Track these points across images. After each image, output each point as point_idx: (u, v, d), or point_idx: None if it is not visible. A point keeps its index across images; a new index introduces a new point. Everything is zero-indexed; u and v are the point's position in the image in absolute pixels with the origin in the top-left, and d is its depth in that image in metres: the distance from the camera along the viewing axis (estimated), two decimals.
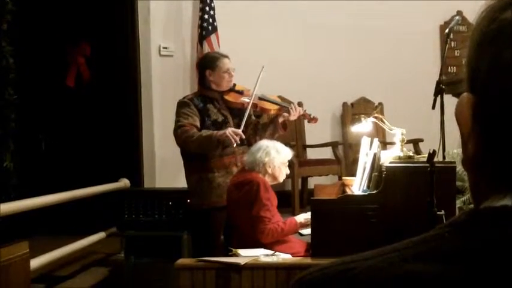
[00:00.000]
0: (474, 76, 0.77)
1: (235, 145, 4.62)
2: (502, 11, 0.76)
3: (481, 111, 0.75)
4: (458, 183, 3.76)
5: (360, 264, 0.75)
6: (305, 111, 5.09)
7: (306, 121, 5.27)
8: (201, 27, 7.24)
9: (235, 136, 4.58)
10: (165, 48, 7.28)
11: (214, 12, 7.27)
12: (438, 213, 3.27)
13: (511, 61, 0.72)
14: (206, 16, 7.23)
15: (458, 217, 0.76)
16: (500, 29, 0.74)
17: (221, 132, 4.65)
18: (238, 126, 4.82)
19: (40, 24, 7.91)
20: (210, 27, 7.24)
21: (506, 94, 0.72)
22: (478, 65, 0.76)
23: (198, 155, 4.81)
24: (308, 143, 7.70)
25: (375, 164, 3.92)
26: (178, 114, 4.82)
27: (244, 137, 4.69)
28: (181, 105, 4.87)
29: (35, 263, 4.81)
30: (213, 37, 7.23)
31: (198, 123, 4.77)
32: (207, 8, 7.24)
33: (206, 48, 7.11)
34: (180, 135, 4.72)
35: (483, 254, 0.70)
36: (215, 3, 7.29)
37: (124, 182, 6.49)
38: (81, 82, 8.24)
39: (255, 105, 4.95)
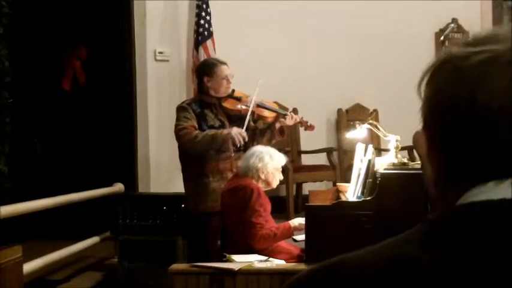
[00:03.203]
0: (426, 118, 0.95)
1: (239, 145, 4.65)
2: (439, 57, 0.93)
3: (434, 140, 0.91)
4: None
5: (350, 254, 0.87)
6: (302, 118, 5.11)
7: (302, 128, 5.28)
8: (197, 32, 7.25)
9: (239, 136, 4.63)
10: (161, 53, 7.28)
11: (210, 18, 7.28)
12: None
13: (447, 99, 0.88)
14: (202, 21, 7.23)
15: (437, 215, 0.88)
16: (433, 69, 0.93)
17: (226, 131, 4.70)
18: None
19: (36, 27, 7.91)
20: (206, 33, 7.24)
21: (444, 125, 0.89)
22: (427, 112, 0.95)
23: (194, 160, 4.83)
24: (303, 148, 7.71)
25: (370, 171, 3.93)
26: (178, 118, 4.86)
27: (247, 138, 4.72)
28: (180, 109, 4.91)
29: (29, 267, 4.79)
30: (209, 42, 7.23)
31: (197, 127, 4.81)
32: (203, 13, 7.25)
33: (202, 54, 7.12)
34: (183, 136, 4.75)
35: (465, 242, 0.81)
36: (211, 9, 7.29)
37: (118, 187, 6.49)
38: (77, 86, 8.24)
39: (252, 112, 4.97)
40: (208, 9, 7.28)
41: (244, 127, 4.78)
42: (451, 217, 0.86)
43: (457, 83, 0.86)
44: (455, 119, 0.86)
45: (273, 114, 5.06)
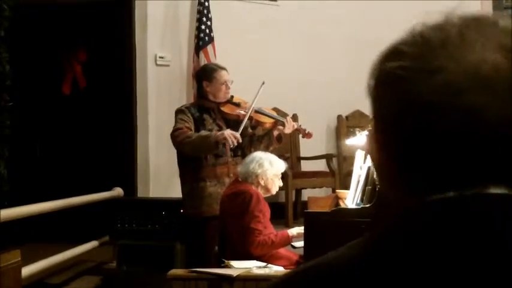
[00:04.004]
0: (376, 120, 0.94)
1: (231, 146, 4.67)
2: (388, 61, 0.90)
3: (385, 142, 0.89)
4: None
5: (329, 256, 0.85)
6: (300, 126, 5.13)
7: (300, 136, 5.31)
8: (197, 37, 7.25)
9: (233, 138, 4.63)
10: (162, 57, 7.29)
11: (211, 23, 7.28)
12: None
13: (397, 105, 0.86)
14: (203, 26, 7.24)
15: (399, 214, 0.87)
16: (383, 78, 0.91)
17: (219, 132, 4.71)
18: None
19: (37, 31, 7.91)
20: (206, 38, 7.25)
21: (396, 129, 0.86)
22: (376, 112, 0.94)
23: (191, 164, 4.85)
24: (302, 155, 7.71)
25: (369, 178, 3.93)
26: (176, 120, 4.91)
27: (241, 141, 4.73)
28: (178, 112, 4.95)
29: (27, 270, 4.79)
30: (209, 47, 7.24)
31: (193, 129, 4.82)
32: (204, 19, 7.26)
33: (202, 59, 7.12)
34: (178, 136, 4.77)
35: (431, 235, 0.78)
36: (212, 14, 7.30)
37: (118, 191, 6.49)
38: (77, 89, 8.24)
39: (250, 118, 4.99)
40: (209, 15, 7.29)
41: (239, 131, 4.79)
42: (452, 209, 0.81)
43: (410, 107, 0.83)
44: (410, 137, 0.83)
45: (271, 121, 5.07)
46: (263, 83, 5.03)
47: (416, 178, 0.84)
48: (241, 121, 4.89)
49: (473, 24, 0.84)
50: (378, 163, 0.92)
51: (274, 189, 4.44)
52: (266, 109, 5.18)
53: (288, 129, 4.97)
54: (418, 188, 0.84)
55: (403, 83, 0.84)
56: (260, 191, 4.30)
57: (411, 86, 0.83)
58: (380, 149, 0.90)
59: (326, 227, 3.77)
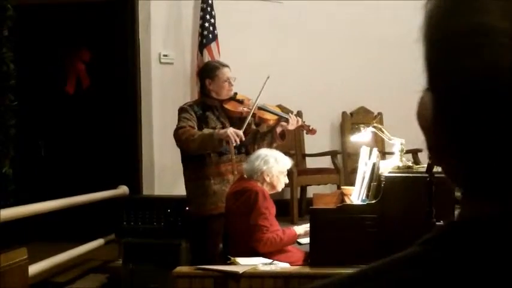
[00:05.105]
0: (434, 76, 0.70)
1: (234, 144, 4.68)
2: (457, 15, 0.64)
3: (443, 111, 0.66)
4: (457, 193, 3.75)
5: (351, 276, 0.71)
6: (304, 122, 5.12)
7: (304, 132, 5.31)
8: (201, 35, 7.25)
9: (235, 136, 4.63)
10: (165, 55, 7.29)
11: (214, 21, 7.28)
12: (437, 223, 3.27)
13: (472, 69, 0.62)
14: (206, 24, 7.24)
15: (434, 233, 0.70)
16: (451, 37, 0.65)
17: (222, 131, 4.71)
18: None
19: (41, 30, 7.92)
20: (210, 35, 7.25)
21: (467, 99, 0.63)
22: (438, 66, 0.69)
23: (195, 162, 4.85)
24: (307, 152, 7.70)
25: (374, 174, 3.93)
26: (179, 118, 4.89)
27: (244, 138, 4.73)
28: (181, 111, 4.94)
29: (34, 269, 4.81)
30: (213, 45, 7.24)
31: (196, 128, 4.82)
32: (208, 16, 7.26)
33: (206, 56, 7.12)
34: (181, 135, 4.76)
35: (462, 269, 0.63)
36: (216, 12, 7.30)
37: (123, 189, 6.49)
38: (81, 89, 8.25)
39: (253, 115, 4.98)
40: (213, 12, 7.29)
41: (243, 128, 4.79)
42: (451, 238, 0.67)
43: (485, 87, 0.60)
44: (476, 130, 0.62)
45: (275, 117, 5.07)
46: (268, 77, 5.03)
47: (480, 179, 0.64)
48: (245, 118, 4.89)
49: None
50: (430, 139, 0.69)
51: (279, 186, 4.44)
52: (270, 106, 5.17)
53: (291, 126, 4.96)
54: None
55: (480, 51, 0.59)
56: (265, 188, 4.30)
57: (492, 56, 0.58)
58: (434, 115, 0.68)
59: (331, 224, 3.77)
